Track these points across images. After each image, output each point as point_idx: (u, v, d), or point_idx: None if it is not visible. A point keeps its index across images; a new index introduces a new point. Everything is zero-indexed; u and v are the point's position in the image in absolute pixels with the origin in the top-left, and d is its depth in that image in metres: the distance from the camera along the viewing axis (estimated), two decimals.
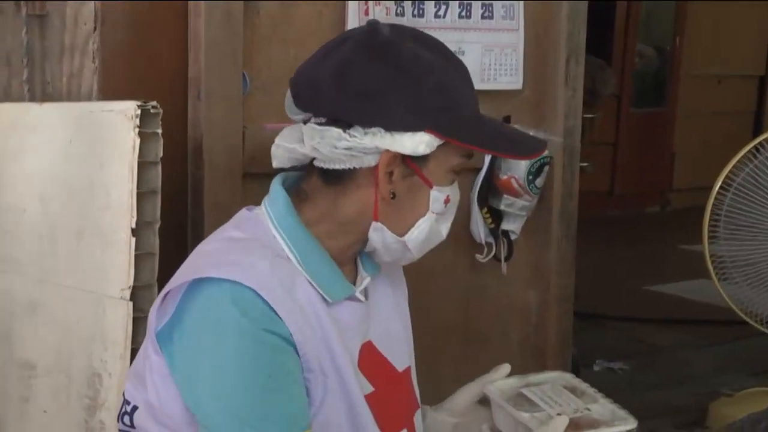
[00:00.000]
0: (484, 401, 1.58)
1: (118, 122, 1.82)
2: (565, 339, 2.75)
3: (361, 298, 1.47)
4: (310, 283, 1.39)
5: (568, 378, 1.56)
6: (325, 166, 1.39)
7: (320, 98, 1.38)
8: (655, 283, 5.25)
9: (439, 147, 1.38)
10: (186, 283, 1.34)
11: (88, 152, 1.88)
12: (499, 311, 2.65)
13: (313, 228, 1.42)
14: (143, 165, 1.82)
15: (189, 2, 2.06)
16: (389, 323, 1.52)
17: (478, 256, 2.56)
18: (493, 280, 2.61)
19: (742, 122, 7.59)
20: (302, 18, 2.20)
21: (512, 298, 2.67)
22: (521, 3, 2.47)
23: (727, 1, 7.02)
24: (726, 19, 7.20)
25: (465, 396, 1.58)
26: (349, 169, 1.38)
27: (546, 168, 2.49)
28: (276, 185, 1.46)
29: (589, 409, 1.45)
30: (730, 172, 2.98)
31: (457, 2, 2.38)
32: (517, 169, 2.46)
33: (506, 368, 1.57)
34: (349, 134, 1.36)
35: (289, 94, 1.44)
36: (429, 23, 2.36)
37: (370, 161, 1.37)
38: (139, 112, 1.80)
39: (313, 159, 1.41)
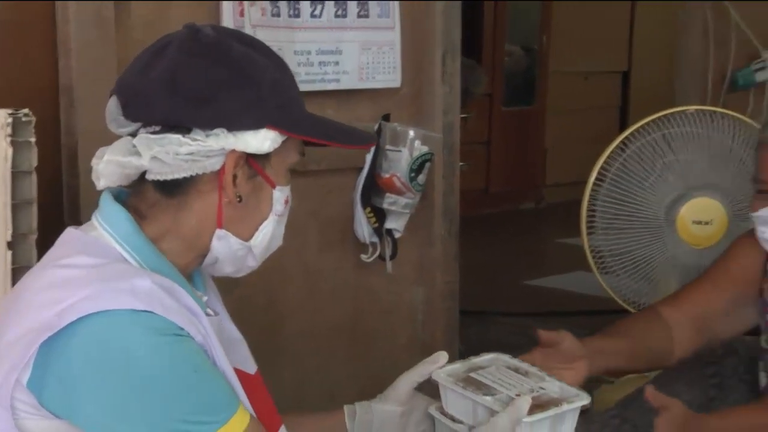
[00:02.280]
0: (417, 388, 1.59)
1: None
2: (451, 335, 2.78)
3: (212, 313, 1.44)
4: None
5: (507, 359, 1.60)
6: (162, 177, 1.34)
7: (152, 106, 1.33)
8: (535, 278, 5.33)
9: (279, 144, 1.37)
10: (59, 327, 1.23)
11: None
12: (386, 310, 2.66)
13: (157, 246, 1.37)
14: (17, 175, 1.77)
15: (57, 3, 2.00)
16: (230, 333, 1.50)
17: (363, 257, 2.56)
18: (379, 279, 2.62)
19: (609, 117, 7.79)
20: (175, 20, 2.15)
21: (398, 297, 2.68)
22: (396, 2, 2.48)
23: (590, 0, 7.22)
24: (589, 17, 7.38)
25: (406, 384, 1.57)
26: (189, 176, 1.34)
27: (427, 165, 2.50)
28: (110, 203, 1.38)
29: (543, 388, 1.49)
30: (605, 163, 3.05)
31: (333, 2, 2.38)
32: (399, 166, 2.47)
33: (444, 356, 1.57)
34: (190, 138, 1.32)
35: (111, 106, 1.37)
36: (305, 23, 2.35)
37: (214, 165, 1.34)
38: (10, 120, 1.74)
39: (144, 174, 1.35)
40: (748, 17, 3.75)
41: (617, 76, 7.99)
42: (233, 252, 1.40)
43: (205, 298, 1.45)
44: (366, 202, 2.52)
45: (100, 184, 1.38)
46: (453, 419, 1.52)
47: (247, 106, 1.34)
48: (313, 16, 2.36)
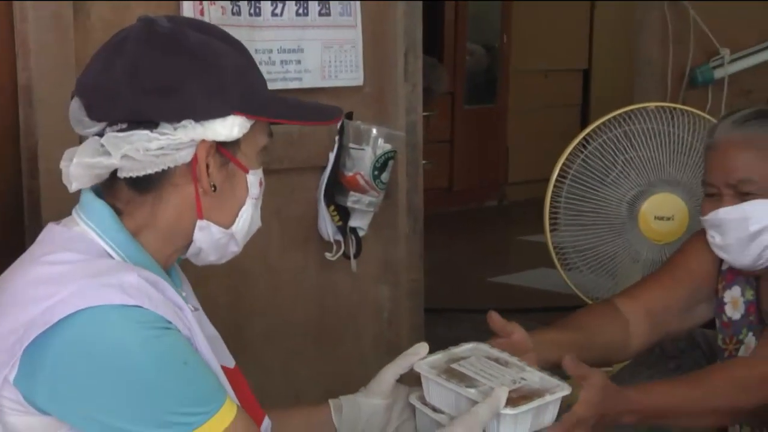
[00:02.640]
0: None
1: None
2: (417, 333, 2.78)
3: (193, 308, 1.45)
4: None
5: (486, 349, 1.61)
6: (134, 174, 1.34)
7: (117, 104, 1.32)
8: (499, 275, 5.36)
9: (247, 129, 1.38)
10: (48, 324, 1.23)
11: None
12: (351, 308, 2.66)
13: (136, 240, 1.38)
14: None
15: (14, 3, 1.98)
16: (207, 329, 1.50)
17: (328, 255, 2.55)
18: (344, 277, 2.61)
19: (570, 114, 7.84)
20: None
21: (363, 295, 2.68)
22: (357, 0, 2.48)
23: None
24: (549, 15, 7.43)
25: (389, 377, 1.58)
26: (162, 171, 1.34)
27: (391, 163, 2.50)
28: (92, 199, 1.38)
29: (524, 379, 1.51)
30: (567, 160, 3.06)
31: (294, 0, 2.37)
32: (363, 165, 2.47)
33: (425, 347, 1.58)
34: (159, 133, 1.32)
35: (74, 108, 1.36)
36: (266, 22, 2.34)
37: (184, 157, 1.35)
38: None
39: (115, 172, 1.34)
40: (704, 14, 3.79)
41: (578, 73, 8.04)
42: (216, 240, 1.41)
43: (183, 294, 1.45)
44: (330, 200, 2.51)
45: (72, 186, 1.37)
46: (434, 409, 1.53)
47: (212, 94, 1.34)
48: (274, 14, 2.35)
